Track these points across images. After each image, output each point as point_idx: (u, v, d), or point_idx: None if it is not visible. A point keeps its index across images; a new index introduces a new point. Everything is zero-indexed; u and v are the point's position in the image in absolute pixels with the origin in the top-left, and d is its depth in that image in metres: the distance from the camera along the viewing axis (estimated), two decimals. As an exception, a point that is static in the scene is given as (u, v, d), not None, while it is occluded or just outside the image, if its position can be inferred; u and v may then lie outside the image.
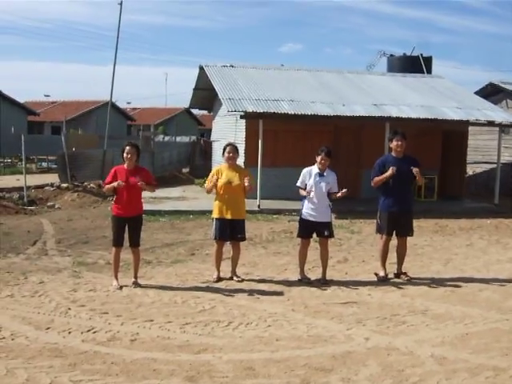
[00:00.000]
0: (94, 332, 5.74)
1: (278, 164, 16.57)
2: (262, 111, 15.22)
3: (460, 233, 13.21)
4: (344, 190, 7.96)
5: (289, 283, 7.98)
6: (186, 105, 24.59)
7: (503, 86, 21.90)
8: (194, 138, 32.70)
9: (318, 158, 8.12)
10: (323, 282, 8.07)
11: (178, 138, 33.31)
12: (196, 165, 24.63)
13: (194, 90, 21.57)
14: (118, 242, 7.63)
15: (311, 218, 8.13)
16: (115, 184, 7.39)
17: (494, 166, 20.93)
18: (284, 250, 10.52)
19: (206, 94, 21.58)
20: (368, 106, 16.68)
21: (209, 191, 8.20)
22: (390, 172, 8.09)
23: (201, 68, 19.51)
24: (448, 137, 18.58)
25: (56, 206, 16.12)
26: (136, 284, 7.61)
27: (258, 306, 6.82)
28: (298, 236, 8.45)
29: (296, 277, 8.24)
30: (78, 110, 45.06)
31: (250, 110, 15.24)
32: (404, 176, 8.18)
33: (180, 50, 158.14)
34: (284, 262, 9.38)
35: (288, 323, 6.21)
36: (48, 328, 5.83)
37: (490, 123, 17.16)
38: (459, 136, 18.97)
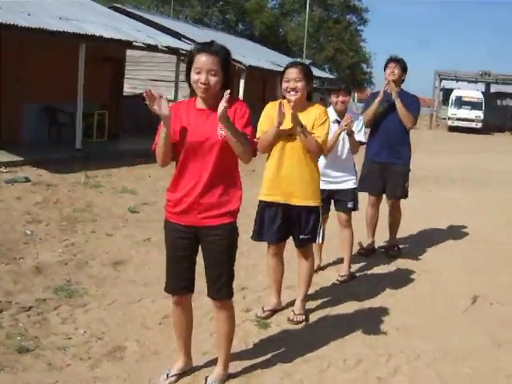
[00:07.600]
0: None
1: None
2: None
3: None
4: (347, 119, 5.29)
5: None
6: None
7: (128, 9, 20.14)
8: None
9: (333, 98, 5.53)
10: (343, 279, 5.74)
11: None
12: None
13: None
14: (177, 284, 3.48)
15: (324, 186, 5.18)
16: None
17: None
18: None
19: None
20: (56, 20, 12.49)
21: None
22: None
23: None
24: (108, 64, 15.83)
25: None
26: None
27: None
28: None
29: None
30: None
31: None
32: (393, 113, 6.27)
33: None
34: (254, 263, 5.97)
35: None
36: None
37: (172, 50, 15.52)
38: (119, 63, 16.54)
